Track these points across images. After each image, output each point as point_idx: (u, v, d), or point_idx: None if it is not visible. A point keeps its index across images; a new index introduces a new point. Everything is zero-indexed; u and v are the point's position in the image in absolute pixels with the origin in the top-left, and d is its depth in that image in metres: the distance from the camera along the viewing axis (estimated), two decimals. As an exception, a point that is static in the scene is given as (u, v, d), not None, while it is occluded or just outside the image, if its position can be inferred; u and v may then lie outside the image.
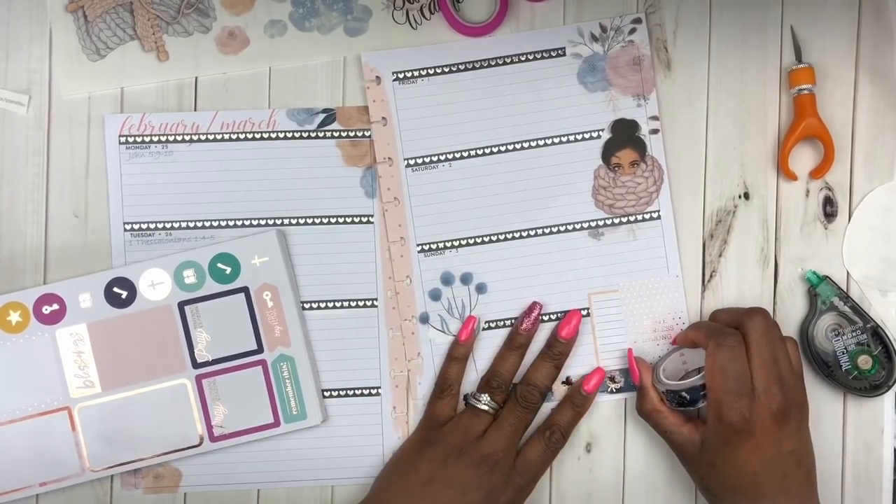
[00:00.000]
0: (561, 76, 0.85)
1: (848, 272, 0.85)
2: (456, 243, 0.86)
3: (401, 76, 0.85)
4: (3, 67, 0.86)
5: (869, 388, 0.84)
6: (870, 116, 0.85)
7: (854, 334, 0.83)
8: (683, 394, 0.79)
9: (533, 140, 0.85)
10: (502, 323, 0.85)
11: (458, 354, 0.84)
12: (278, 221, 0.85)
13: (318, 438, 0.85)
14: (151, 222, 0.85)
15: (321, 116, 0.86)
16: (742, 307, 0.81)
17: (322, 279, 0.85)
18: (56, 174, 0.86)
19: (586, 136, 0.85)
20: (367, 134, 0.86)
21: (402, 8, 0.85)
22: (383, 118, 0.85)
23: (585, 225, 0.85)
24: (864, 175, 0.85)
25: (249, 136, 0.85)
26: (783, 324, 0.85)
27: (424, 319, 0.86)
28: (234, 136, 0.85)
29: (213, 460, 0.85)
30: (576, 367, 0.85)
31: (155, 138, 0.85)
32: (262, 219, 0.85)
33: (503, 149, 0.85)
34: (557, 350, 0.83)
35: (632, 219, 0.85)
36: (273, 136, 0.85)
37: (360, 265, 0.85)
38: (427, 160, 0.85)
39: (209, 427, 0.84)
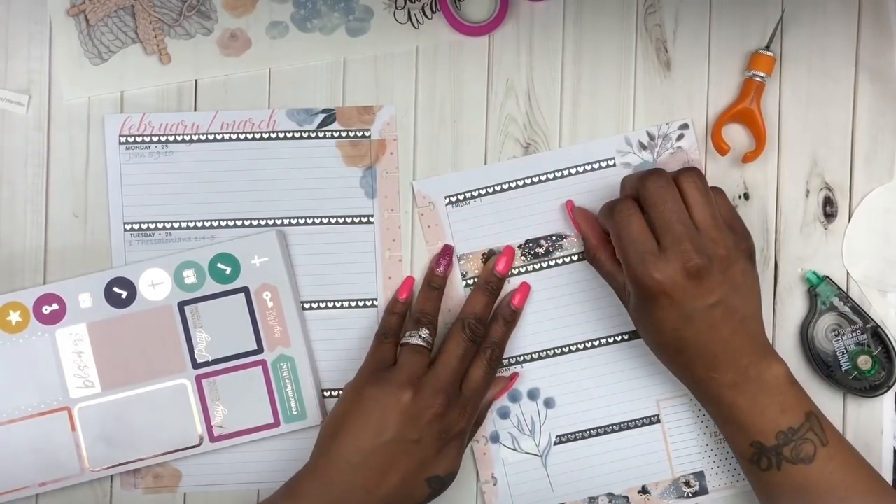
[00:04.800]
0: (613, 185, 0.84)
1: (848, 272, 0.85)
2: (521, 359, 0.86)
3: (453, 199, 0.86)
4: (3, 67, 0.86)
5: (869, 388, 0.83)
6: (870, 116, 0.85)
7: (854, 334, 0.83)
8: None
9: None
10: (572, 436, 0.85)
11: (396, 310, 0.84)
12: (278, 221, 0.85)
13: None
14: (151, 222, 0.85)
15: (321, 116, 0.86)
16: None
17: (322, 279, 0.85)
18: (56, 174, 0.86)
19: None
20: (366, 134, 0.86)
21: (404, 7, 0.86)
22: (440, 242, 0.86)
23: None
24: (864, 175, 0.85)
25: (249, 136, 0.85)
26: (783, 324, 0.85)
27: (495, 439, 0.85)
28: (234, 136, 0.85)
29: (213, 460, 0.85)
30: (649, 475, 0.85)
31: (155, 138, 0.85)
32: (262, 219, 0.85)
33: (560, 262, 0.85)
34: (494, 285, 0.84)
35: None
36: (273, 136, 0.85)
37: (360, 265, 0.85)
38: None
39: (209, 427, 0.84)
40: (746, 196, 0.85)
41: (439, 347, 0.81)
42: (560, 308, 0.85)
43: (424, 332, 0.81)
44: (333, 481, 0.76)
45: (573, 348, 0.85)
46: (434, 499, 0.79)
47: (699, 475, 0.85)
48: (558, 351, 0.85)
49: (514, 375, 0.85)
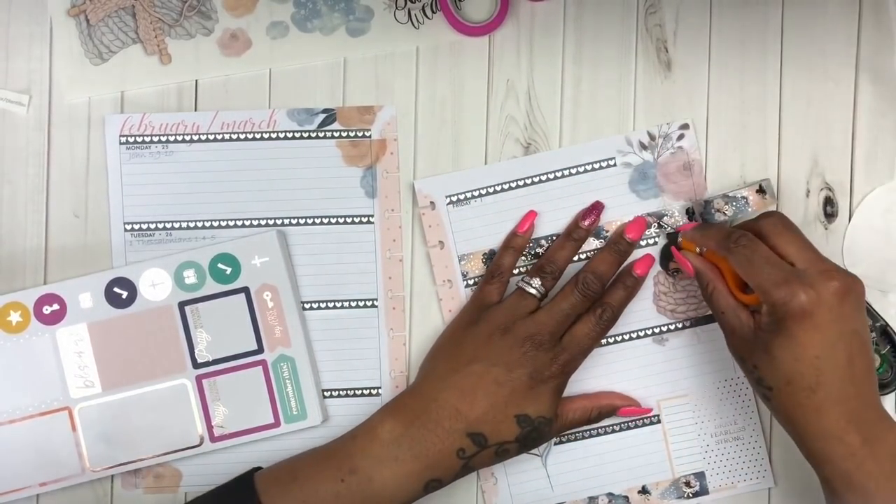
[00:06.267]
0: (613, 185, 0.85)
1: (848, 272, 0.85)
2: None
3: (454, 199, 0.86)
4: (3, 67, 0.86)
5: (877, 386, 0.83)
6: (870, 116, 0.85)
7: (862, 333, 0.83)
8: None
9: (592, 250, 0.85)
10: (573, 436, 0.85)
11: (513, 245, 0.84)
12: (278, 221, 0.85)
13: (318, 438, 0.84)
14: (151, 222, 0.85)
15: (321, 116, 0.86)
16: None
17: (322, 279, 0.85)
18: (56, 174, 0.86)
19: (643, 243, 0.85)
20: (367, 134, 0.86)
21: (404, 7, 0.86)
22: (440, 242, 0.85)
23: (649, 332, 0.85)
24: (864, 175, 0.85)
25: (249, 136, 0.85)
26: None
27: None
28: (234, 136, 0.85)
29: (213, 460, 0.85)
30: (650, 475, 0.85)
31: (155, 138, 0.85)
32: (262, 219, 0.85)
33: None
34: (622, 247, 0.83)
35: (695, 322, 0.85)
36: (273, 136, 0.85)
37: (360, 265, 0.85)
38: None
39: (209, 427, 0.84)
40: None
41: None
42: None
43: (536, 282, 0.81)
44: (428, 396, 0.79)
45: (573, 348, 0.85)
46: (528, 445, 0.80)
47: (700, 475, 0.85)
48: None
49: (649, 409, 0.85)
